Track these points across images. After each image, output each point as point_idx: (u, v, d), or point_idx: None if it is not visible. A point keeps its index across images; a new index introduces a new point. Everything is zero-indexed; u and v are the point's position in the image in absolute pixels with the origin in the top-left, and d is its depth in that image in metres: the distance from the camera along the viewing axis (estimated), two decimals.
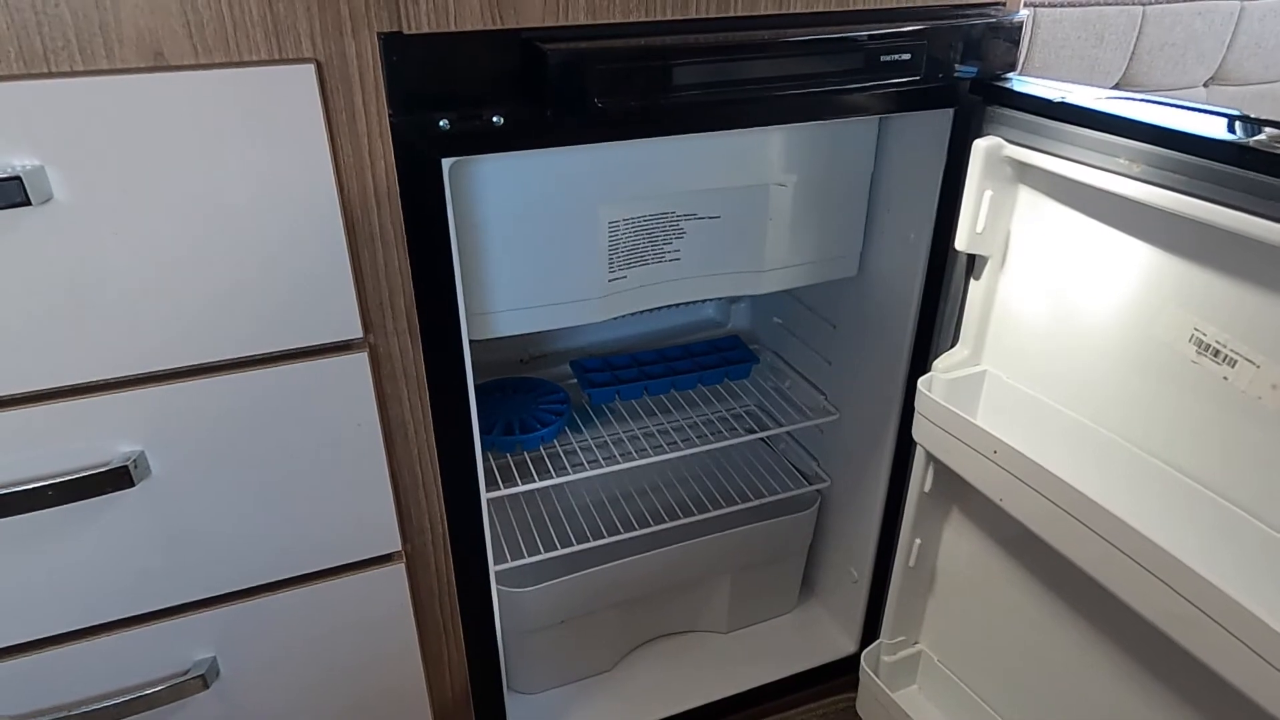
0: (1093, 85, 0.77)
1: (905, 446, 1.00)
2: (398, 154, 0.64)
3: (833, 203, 0.93)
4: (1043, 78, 0.79)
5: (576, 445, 1.08)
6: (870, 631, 1.13)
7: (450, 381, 0.74)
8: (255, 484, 0.70)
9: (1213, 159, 0.60)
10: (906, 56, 0.69)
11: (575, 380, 1.16)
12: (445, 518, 0.81)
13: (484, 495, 0.83)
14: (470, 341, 0.81)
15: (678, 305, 1.30)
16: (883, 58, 0.68)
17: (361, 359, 0.69)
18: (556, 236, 0.82)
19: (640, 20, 0.65)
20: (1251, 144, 0.60)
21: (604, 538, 1.04)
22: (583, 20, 0.64)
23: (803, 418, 1.12)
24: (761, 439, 1.27)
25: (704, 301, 1.32)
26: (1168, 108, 0.69)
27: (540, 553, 1.01)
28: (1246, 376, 0.65)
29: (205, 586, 0.73)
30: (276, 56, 0.58)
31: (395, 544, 0.79)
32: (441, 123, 0.63)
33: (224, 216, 0.61)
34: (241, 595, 0.75)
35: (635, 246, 0.87)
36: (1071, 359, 0.79)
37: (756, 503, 1.12)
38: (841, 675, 1.17)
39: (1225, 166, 0.60)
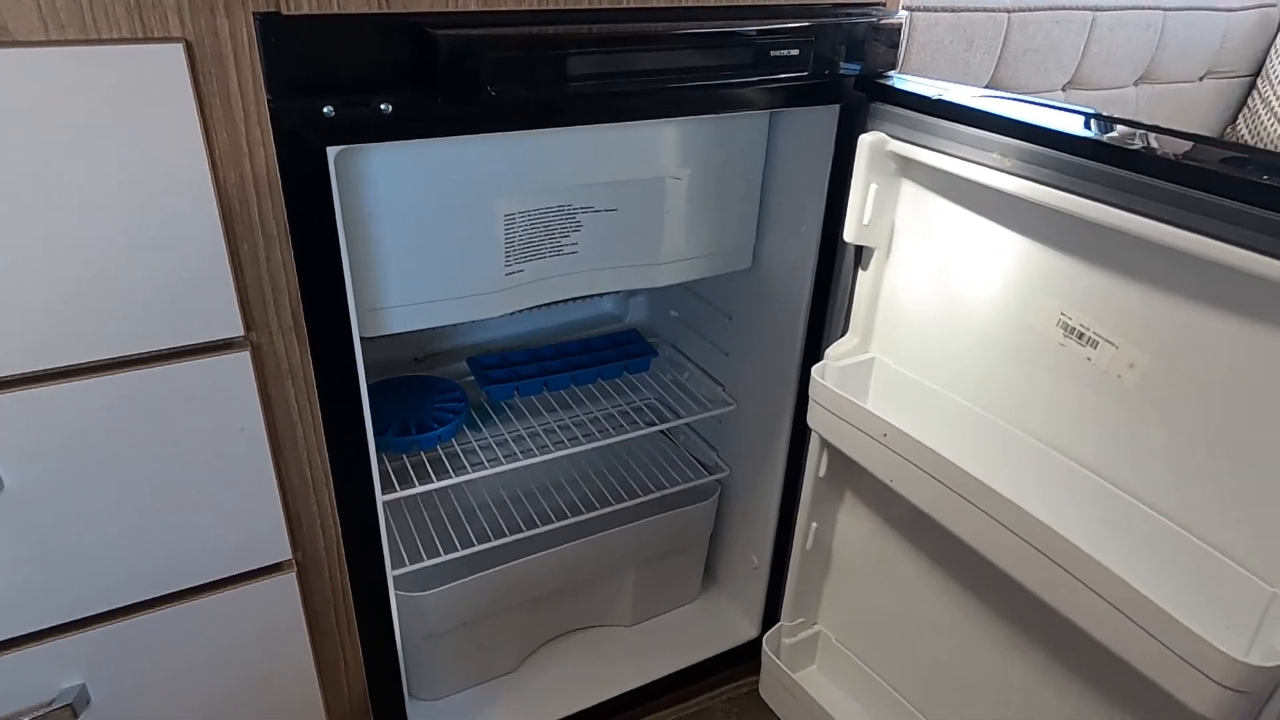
0: (963, 78, 0.81)
1: (801, 434, 1.03)
2: (279, 142, 0.60)
3: (726, 196, 0.95)
4: (922, 77, 0.83)
5: (475, 444, 1.06)
6: (771, 616, 1.15)
7: (340, 381, 0.71)
8: (127, 494, 0.66)
9: (1075, 154, 0.65)
10: (795, 52, 0.71)
11: (473, 378, 1.14)
12: (339, 523, 0.77)
13: (379, 498, 0.80)
14: (362, 339, 0.78)
15: (576, 300, 1.30)
16: (772, 53, 0.70)
17: (243, 358, 0.66)
18: (451, 230, 0.80)
19: (534, 9, 0.64)
20: (1107, 140, 0.64)
21: (505, 537, 1.02)
22: (475, 7, 0.62)
23: (701, 409, 1.14)
24: (662, 431, 1.28)
25: (602, 296, 1.32)
26: (1036, 106, 0.74)
27: (440, 555, 0.99)
28: (1107, 357, 0.70)
29: (71, 608, 0.68)
30: (140, 35, 0.54)
31: (285, 552, 0.75)
32: (326, 109, 0.61)
33: (85, 207, 0.56)
34: (113, 615, 0.70)
35: (532, 240, 0.86)
36: (953, 345, 0.83)
37: (657, 495, 1.13)
38: (745, 660, 1.19)
39: (1086, 161, 0.64)
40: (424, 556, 0.98)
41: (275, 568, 0.75)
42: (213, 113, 0.58)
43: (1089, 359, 0.72)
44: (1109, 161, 0.62)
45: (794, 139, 0.92)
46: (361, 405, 0.73)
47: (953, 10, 1.57)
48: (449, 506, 1.11)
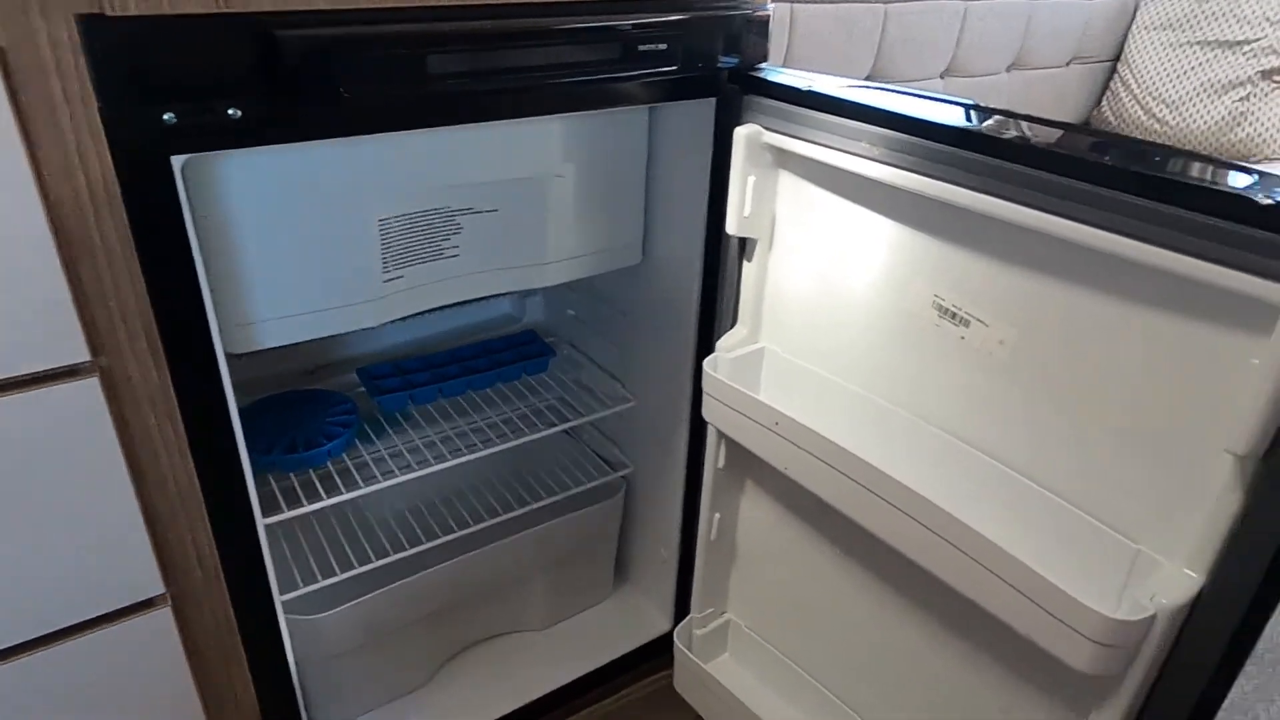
0: (846, 77, 0.82)
1: (700, 426, 1.03)
2: (115, 153, 0.56)
3: (610, 192, 0.94)
4: (798, 69, 0.84)
5: (369, 457, 1.02)
6: (683, 608, 1.16)
7: (206, 402, 0.67)
8: None
9: (934, 140, 0.67)
10: (663, 46, 0.71)
11: (365, 389, 1.10)
12: (216, 552, 0.73)
13: (260, 522, 0.77)
14: (236, 356, 0.74)
15: (472, 302, 1.27)
16: (640, 47, 0.69)
17: (92, 385, 0.61)
18: (321, 237, 0.76)
19: (388, 7, 0.62)
20: (962, 126, 0.66)
21: (405, 550, 0.99)
22: (324, 5, 0.59)
23: (601, 406, 1.13)
24: (565, 431, 1.27)
25: (499, 297, 1.30)
26: (904, 96, 0.75)
27: (336, 574, 0.95)
28: (979, 335, 0.73)
29: None
30: None
31: (157, 587, 0.71)
32: (166, 117, 0.57)
33: None
34: None
35: (410, 244, 0.83)
36: (837, 331, 0.85)
37: (562, 496, 1.12)
38: (661, 653, 1.19)
39: (944, 147, 0.66)
40: (319, 577, 0.95)
41: (147, 604, 0.71)
42: (35, 125, 0.54)
43: (963, 338, 0.74)
44: (964, 146, 0.65)
45: (674, 133, 0.92)
46: (231, 426, 0.69)
47: (833, 1, 1.61)
48: (345, 523, 1.07)
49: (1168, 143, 2.08)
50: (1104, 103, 2.20)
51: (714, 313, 0.96)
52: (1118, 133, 2.18)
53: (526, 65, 0.65)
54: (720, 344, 0.91)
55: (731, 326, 0.93)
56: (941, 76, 1.90)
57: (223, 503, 0.72)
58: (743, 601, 1.11)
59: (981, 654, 0.81)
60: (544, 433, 1.09)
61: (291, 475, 0.97)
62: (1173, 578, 0.61)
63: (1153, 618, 0.60)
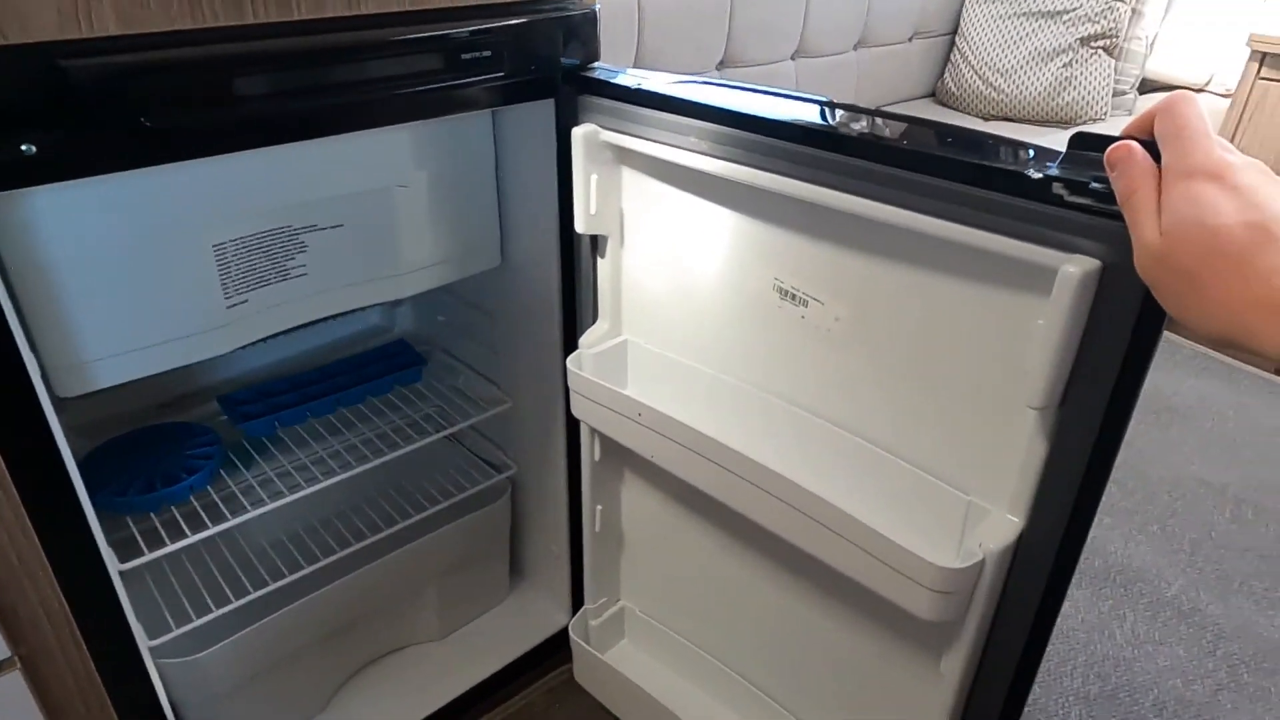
0: (697, 67, 0.84)
1: (575, 421, 1.05)
2: None
3: (460, 198, 0.94)
4: (650, 62, 0.85)
5: (236, 488, 0.99)
6: (579, 601, 1.18)
7: (33, 451, 0.63)
8: None
9: (757, 133, 0.69)
10: (488, 54, 0.71)
11: (226, 417, 1.06)
12: (66, 606, 0.70)
13: (115, 569, 0.74)
14: (69, 399, 0.71)
15: (335, 317, 1.24)
16: (463, 56, 0.69)
17: None
18: (152, 269, 0.73)
19: (188, 29, 0.60)
20: (786, 120, 0.69)
21: (284, 577, 0.97)
22: (115, 31, 0.57)
23: (478, 411, 1.13)
24: (446, 439, 1.26)
25: (367, 309, 1.27)
26: (730, 90, 0.78)
27: (211, 611, 0.92)
28: (817, 314, 0.77)
29: None
30: None
31: (2, 650, 0.67)
32: None
33: None
34: None
35: (252, 267, 0.81)
36: (691, 319, 0.87)
37: (446, 504, 1.11)
38: (562, 648, 1.21)
39: (769, 139, 0.69)
40: (193, 617, 0.91)
41: None
42: None
43: (803, 317, 0.78)
44: (779, 137, 0.68)
45: (518, 136, 0.93)
46: (66, 473, 0.66)
47: None
48: (220, 557, 1.03)
49: (1004, 109, 2.22)
50: (946, 74, 2.32)
51: (575, 310, 0.97)
52: (959, 102, 2.31)
53: (342, 81, 0.64)
54: (583, 340, 0.93)
55: (593, 322, 0.95)
56: (792, 58, 1.96)
57: (67, 554, 0.68)
58: (635, 588, 1.13)
59: (853, 611, 0.86)
60: (422, 442, 1.08)
61: (153, 515, 0.93)
62: (998, 524, 0.67)
63: (981, 562, 0.65)
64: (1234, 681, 1.27)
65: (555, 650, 1.21)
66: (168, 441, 1.00)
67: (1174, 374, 2.05)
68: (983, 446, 0.68)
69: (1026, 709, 0.74)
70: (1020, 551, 0.66)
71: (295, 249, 0.83)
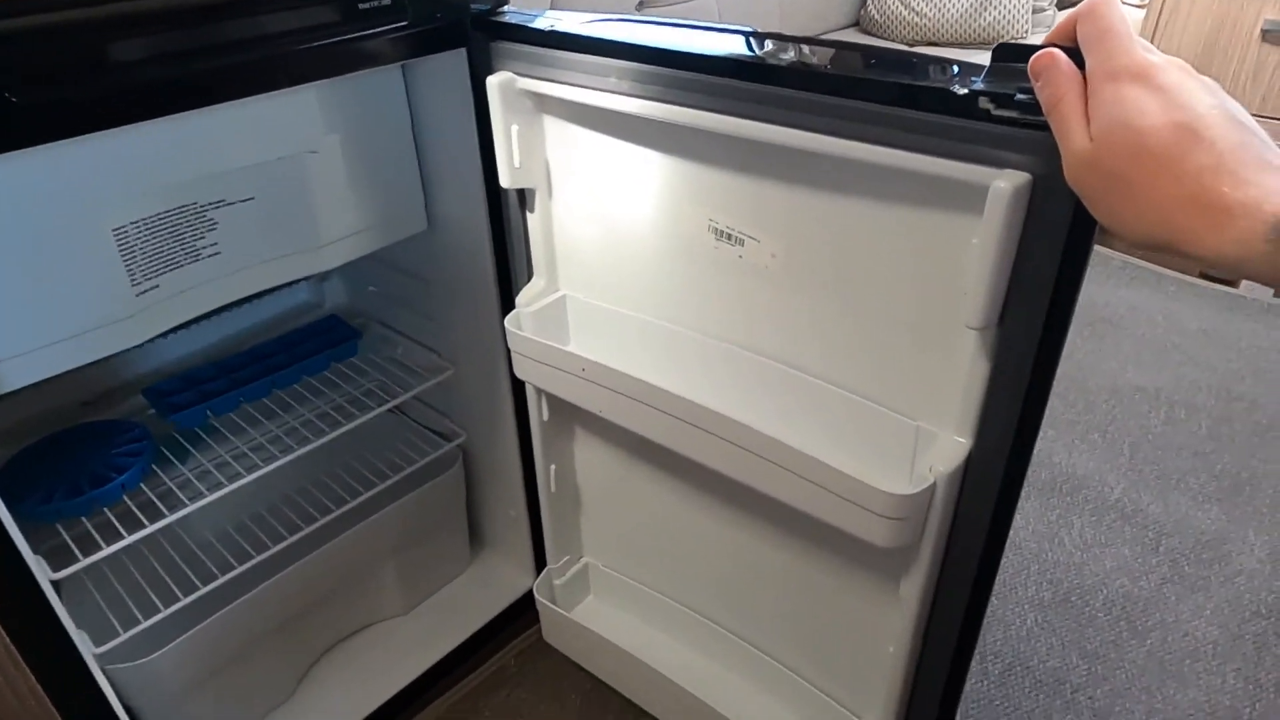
0: (619, 6, 0.81)
1: (521, 383, 1.02)
2: None
3: (377, 161, 0.90)
4: (560, 9, 0.81)
5: (173, 483, 0.95)
6: (542, 562, 1.17)
7: None
8: None
9: (674, 68, 0.67)
10: (386, 1, 0.67)
11: (154, 410, 1.01)
12: None
13: (46, 579, 0.70)
14: None
15: (260, 297, 1.19)
16: (360, 5, 0.65)
17: None
18: (45, 259, 0.68)
19: None
20: (705, 53, 0.67)
21: (233, 570, 0.94)
22: None
23: (420, 380, 1.10)
24: (392, 413, 1.23)
25: (294, 285, 1.22)
26: (645, 26, 0.75)
27: (160, 610, 0.89)
28: (754, 251, 0.75)
29: None
30: None
31: None
32: None
33: None
34: None
35: (159, 250, 0.76)
36: (628, 267, 0.85)
37: (397, 478, 1.09)
38: (527, 612, 1.20)
39: (687, 73, 0.67)
40: (140, 619, 0.88)
41: None
42: None
43: (740, 256, 0.76)
44: (698, 70, 0.65)
45: (433, 91, 0.89)
46: None
47: None
48: (164, 555, 1.00)
49: (927, 34, 2.21)
50: (868, 2, 2.30)
51: (509, 268, 0.94)
52: (882, 29, 2.29)
53: (230, 40, 0.60)
54: (519, 299, 0.90)
55: (529, 280, 0.92)
56: None
57: None
58: (596, 543, 1.13)
59: (811, 545, 0.87)
60: (364, 418, 1.05)
61: (84, 519, 0.89)
62: (946, 446, 0.67)
63: (933, 486, 0.66)
64: (1176, 574, 1.33)
65: (522, 613, 1.21)
66: (92, 441, 0.95)
67: (1105, 285, 2.10)
68: (926, 371, 0.68)
69: (983, 621, 0.76)
70: (970, 471, 0.67)
71: (204, 227, 0.79)
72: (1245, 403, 1.69)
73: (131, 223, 0.73)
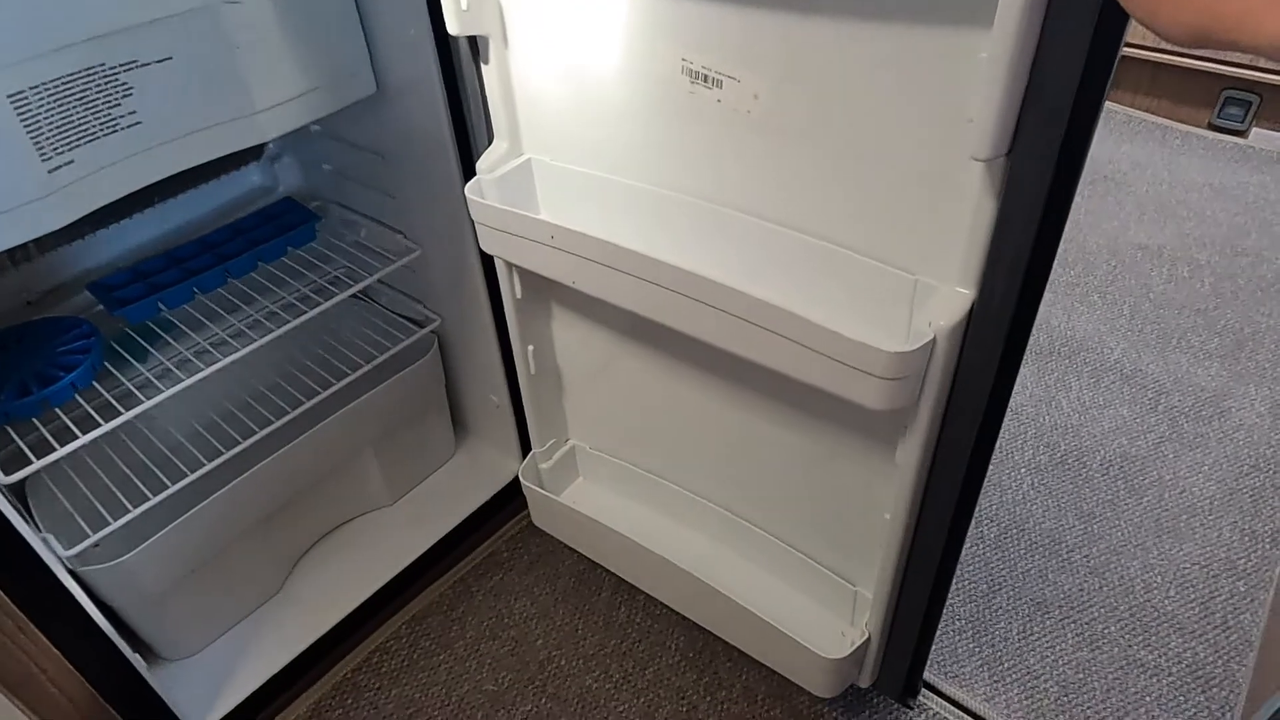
0: None
1: (491, 259, 0.96)
2: None
3: (311, 13, 0.80)
4: None
5: (130, 383, 0.89)
6: (528, 446, 1.14)
7: None
8: None
9: None
10: None
11: (102, 306, 0.95)
12: None
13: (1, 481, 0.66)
14: None
15: (212, 181, 1.11)
16: None
17: None
18: None
19: None
20: None
21: (204, 466, 0.90)
22: None
23: (385, 263, 1.03)
24: (360, 299, 1.17)
25: (243, 168, 1.14)
26: None
27: (129, 511, 0.85)
28: (733, 93, 0.68)
29: None
30: None
31: None
32: None
33: None
34: None
35: (69, 119, 0.68)
36: (597, 123, 0.77)
37: (370, 366, 1.04)
38: (515, 497, 1.18)
39: None
40: (109, 520, 0.85)
41: None
42: None
43: (719, 100, 0.69)
44: None
45: None
46: None
47: None
48: (132, 458, 0.96)
49: None
50: None
51: (468, 132, 0.86)
52: None
53: None
54: (480, 165, 0.83)
55: (490, 143, 0.84)
56: None
57: None
58: (582, 424, 1.09)
59: (803, 414, 0.83)
60: (329, 303, 0.99)
61: (36, 421, 0.84)
62: (947, 299, 0.62)
63: (932, 342, 0.61)
64: (1175, 432, 1.31)
65: (511, 498, 1.19)
66: (36, 340, 0.90)
67: (1106, 142, 2.01)
68: (926, 217, 0.62)
69: (982, 485, 0.73)
70: (972, 326, 0.62)
71: (118, 93, 0.70)
72: (1250, 257, 1.64)
73: (30, 87, 0.65)
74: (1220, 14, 0.34)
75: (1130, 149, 1.98)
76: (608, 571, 1.12)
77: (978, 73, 0.50)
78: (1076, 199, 1.70)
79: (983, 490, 0.74)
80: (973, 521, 0.90)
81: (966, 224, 0.58)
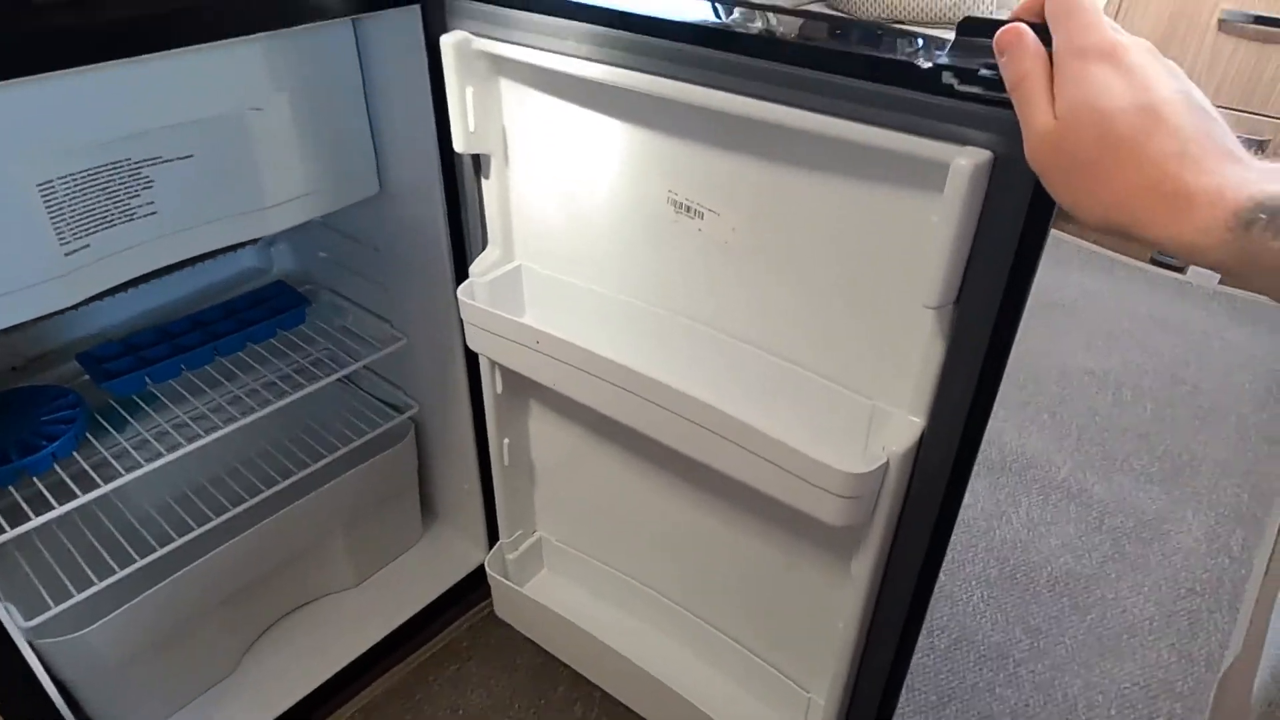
0: None
1: (474, 355, 1.00)
2: None
3: (326, 120, 0.86)
4: None
5: (108, 453, 0.91)
6: (495, 536, 1.15)
7: None
8: None
9: (636, 32, 0.65)
10: None
11: (89, 376, 0.97)
12: None
13: None
14: None
15: (209, 259, 1.15)
16: None
17: None
18: None
19: None
20: (667, 19, 0.65)
21: (172, 542, 0.91)
22: None
23: (371, 350, 1.07)
24: (342, 384, 1.20)
25: (238, 249, 1.18)
26: None
27: (94, 584, 0.86)
28: (714, 225, 0.74)
29: None
30: None
31: None
32: None
33: None
34: None
35: (91, 208, 0.72)
36: (587, 239, 0.83)
37: (346, 450, 1.06)
38: (479, 586, 1.19)
39: (648, 38, 0.65)
40: (73, 592, 0.85)
41: None
42: None
43: (700, 229, 0.75)
44: (660, 35, 0.63)
45: (385, 49, 0.85)
46: None
47: None
48: (100, 528, 0.96)
49: (895, 12, 2.20)
50: None
51: (464, 236, 0.92)
52: (852, 6, 2.27)
53: None
54: (473, 269, 0.88)
55: (484, 249, 0.90)
56: None
57: None
58: (550, 517, 1.12)
59: (764, 522, 0.86)
60: (313, 387, 1.02)
61: (13, 489, 0.85)
62: (900, 426, 0.67)
63: (886, 464, 0.66)
64: (1118, 552, 1.37)
65: (474, 587, 1.20)
66: (21, 407, 0.91)
67: (1058, 270, 2.13)
68: (883, 350, 0.68)
69: (932, 596, 0.77)
70: (922, 450, 0.67)
71: (140, 185, 0.75)
72: (1189, 386, 1.74)
73: (59, 178, 0.69)
74: (1130, 211, 0.41)
75: (1080, 278, 2.11)
76: (565, 666, 1.12)
77: (930, 231, 0.57)
78: (1031, 322, 1.79)
79: (935, 601, 0.78)
80: (924, 632, 0.94)
81: (918, 361, 0.64)
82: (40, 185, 0.68)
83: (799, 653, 0.92)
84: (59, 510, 0.82)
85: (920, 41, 0.56)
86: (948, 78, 0.52)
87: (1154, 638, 1.23)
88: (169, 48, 0.61)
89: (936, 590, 0.75)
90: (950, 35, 0.54)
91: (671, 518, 0.95)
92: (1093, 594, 1.30)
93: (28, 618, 0.80)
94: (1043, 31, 0.45)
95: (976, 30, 0.52)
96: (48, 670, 0.82)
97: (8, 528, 0.79)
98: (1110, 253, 2.20)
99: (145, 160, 0.74)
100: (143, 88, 0.71)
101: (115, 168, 0.73)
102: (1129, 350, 1.84)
